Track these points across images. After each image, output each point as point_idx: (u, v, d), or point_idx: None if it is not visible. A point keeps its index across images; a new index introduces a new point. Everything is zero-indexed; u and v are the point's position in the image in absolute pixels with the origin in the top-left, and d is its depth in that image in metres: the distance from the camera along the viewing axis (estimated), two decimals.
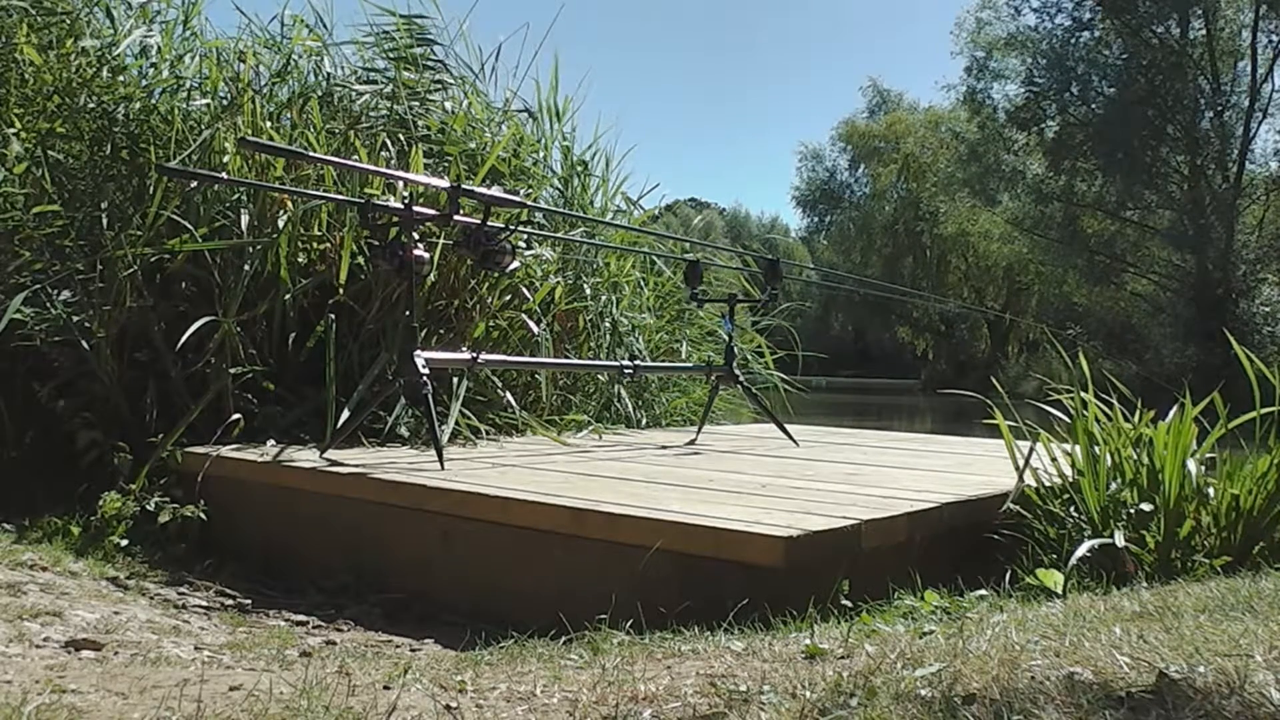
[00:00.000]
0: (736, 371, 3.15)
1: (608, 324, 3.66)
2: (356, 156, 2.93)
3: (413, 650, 1.69)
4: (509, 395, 3.03)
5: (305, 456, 2.36)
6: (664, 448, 2.91)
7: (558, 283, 3.37)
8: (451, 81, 3.68)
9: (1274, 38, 23.01)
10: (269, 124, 2.98)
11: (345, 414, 2.54)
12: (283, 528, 2.27)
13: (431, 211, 2.48)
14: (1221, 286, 20.73)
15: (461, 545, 2.00)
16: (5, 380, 2.53)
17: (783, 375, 4.28)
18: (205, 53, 3.15)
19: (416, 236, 2.36)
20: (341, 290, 2.78)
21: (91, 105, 2.79)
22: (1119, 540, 1.87)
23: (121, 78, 2.91)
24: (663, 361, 3.94)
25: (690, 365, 3.87)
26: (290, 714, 1.01)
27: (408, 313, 2.34)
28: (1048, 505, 2.04)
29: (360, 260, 2.83)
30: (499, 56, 3.83)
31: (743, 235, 45.12)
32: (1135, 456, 2.06)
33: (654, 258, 4.17)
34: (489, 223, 2.46)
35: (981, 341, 34.98)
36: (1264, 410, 2.05)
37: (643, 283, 4.05)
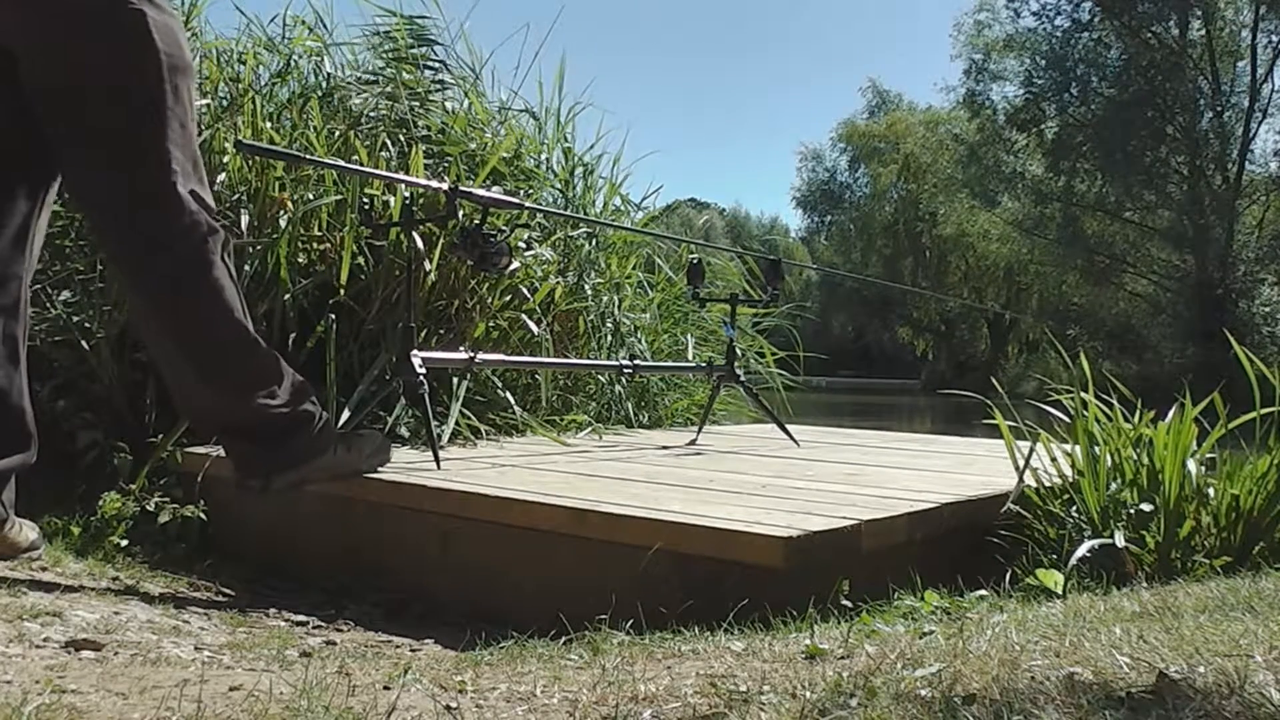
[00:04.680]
0: (738, 371, 3.15)
1: (609, 325, 3.66)
2: (356, 157, 2.93)
3: (413, 650, 1.69)
4: (509, 395, 3.03)
5: None
6: (664, 448, 2.91)
7: (558, 283, 3.37)
8: (452, 82, 3.68)
9: (1274, 38, 23.04)
10: (269, 124, 2.99)
11: (345, 414, 2.55)
12: (283, 528, 2.27)
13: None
14: (1221, 286, 20.74)
15: (461, 545, 2.00)
16: None
17: (783, 373, 4.28)
18: (205, 53, 3.15)
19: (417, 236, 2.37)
20: (342, 290, 2.78)
21: None
22: (1119, 540, 1.87)
23: None
24: (668, 361, 3.94)
25: (691, 365, 3.87)
26: (290, 714, 1.01)
27: (407, 313, 2.34)
28: (1048, 505, 2.04)
29: (360, 260, 2.83)
30: (500, 57, 3.84)
31: (743, 236, 45.15)
32: (1135, 457, 2.06)
33: (657, 259, 4.17)
34: (487, 224, 2.46)
35: (981, 342, 35.00)
36: (1264, 410, 2.05)
37: (647, 284, 4.05)
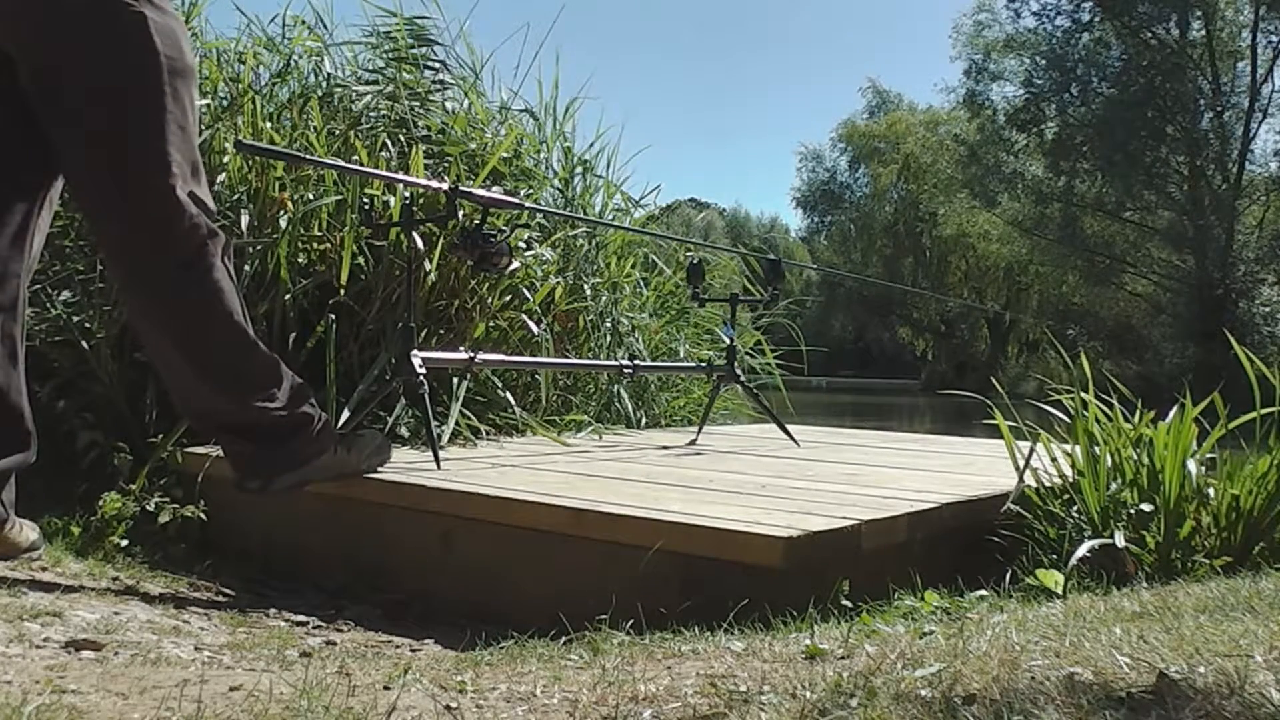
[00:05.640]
0: (738, 371, 3.15)
1: (608, 324, 3.66)
2: (356, 157, 2.93)
3: (413, 650, 1.69)
4: (509, 395, 3.03)
5: None
6: (664, 448, 2.91)
7: (558, 283, 3.37)
8: (452, 82, 3.68)
9: (1274, 38, 23.04)
10: (269, 124, 2.99)
11: (345, 414, 2.55)
12: (283, 528, 2.27)
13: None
14: (1221, 286, 20.73)
15: (461, 545, 2.00)
16: None
17: (782, 364, 4.28)
18: (205, 53, 3.14)
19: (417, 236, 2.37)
20: (342, 290, 2.78)
21: None
22: (1119, 540, 1.87)
23: None
24: (663, 361, 3.94)
25: (692, 365, 3.87)
26: (290, 714, 1.01)
27: (407, 313, 2.34)
28: (1048, 505, 2.04)
29: (360, 260, 2.83)
30: (500, 57, 3.84)
31: (743, 235, 45.18)
32: (1135, 457, 2.06)
33: (655, 258, 4.17)
34: (487, 224, 2.46)
35: (981, 342, 35.00)
36: (1264, 410, 2.05)
37: (643, 283, 4.05)
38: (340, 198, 2.86)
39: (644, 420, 3.72)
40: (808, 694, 1.00)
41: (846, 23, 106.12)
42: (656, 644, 1.39)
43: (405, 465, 2.25)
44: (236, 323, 1.86)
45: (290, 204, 2.78)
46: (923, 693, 0.96)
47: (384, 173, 2.80)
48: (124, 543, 2.11)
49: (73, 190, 1.90)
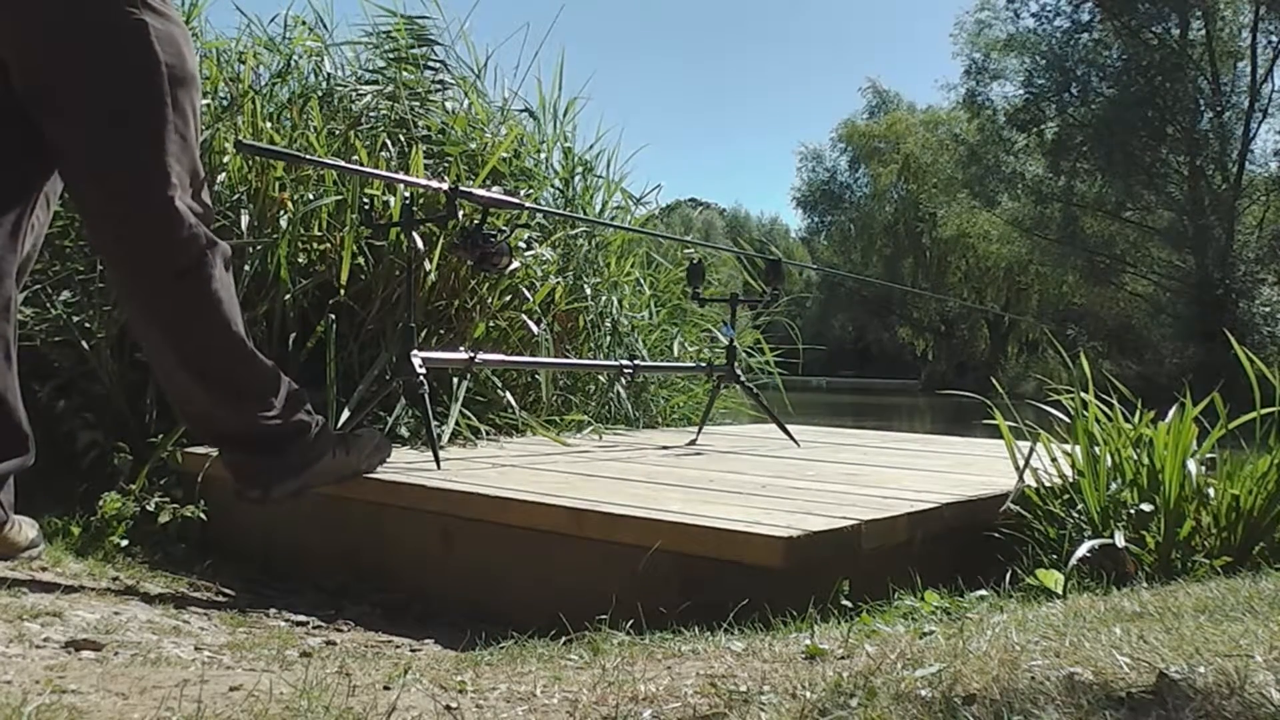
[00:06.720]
0: (738, 371, 3.15)
1: (608, 324, 3.66)
2: (356, 157, 2.93)
3: (413, 650, 1.69)
4: (509, 395, 3.03)
5: None
6: (664, 448, 2.91)
7: (558, 283, 3.37)
8: (452, 82, 3.68)
9: (1274, 38, 23.03)
10: (269, 124, 2.99)
11: (346, 414, 2.55)
12: (283, 528, 2.27)
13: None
14: (1221, 286, 20.72)
15: (461, 545, 2.00)
16: None
17: (780, 362, 4.28)
18: (205, 53, 3.14)
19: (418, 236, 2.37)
20: (342, 290, 2.78)
21: None
22: (1119, 540, 1.87)
23: None
24: (662, 360, 3.94)
25: (691, 365, 3.87)
26: (290, 714, 1.01)
27: (407, 313, 2.34)
28: (1048, 505, 2.04)
29: (360, 260, 2.83)
30: (500, 57, 3.84)
31: (742, 235, 45.18)
32: (1135, 457, 2.06)
33: (655, 256, 4.17)
34: (487, 224, 2.46)
35: (981, 342, 35.00)
36: (1264, 410, 2.05)
37: (641, 281, 4.05)
38: (340, 198, 2.86)
39: (643, 420, 3.72)
40: (808, 694, 1.00)
41: (846, 23, 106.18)
42: (656, 644, 1.39)
43: (405, 465, 2.25)
44: (234, 332, 1.85)
45: (290, 204, 2.78)
46: (923, 693, 0.96)
47: (384, 173, 2.80)
48: (124, 543, 2.12)
49: (70, 194, 1.89)
